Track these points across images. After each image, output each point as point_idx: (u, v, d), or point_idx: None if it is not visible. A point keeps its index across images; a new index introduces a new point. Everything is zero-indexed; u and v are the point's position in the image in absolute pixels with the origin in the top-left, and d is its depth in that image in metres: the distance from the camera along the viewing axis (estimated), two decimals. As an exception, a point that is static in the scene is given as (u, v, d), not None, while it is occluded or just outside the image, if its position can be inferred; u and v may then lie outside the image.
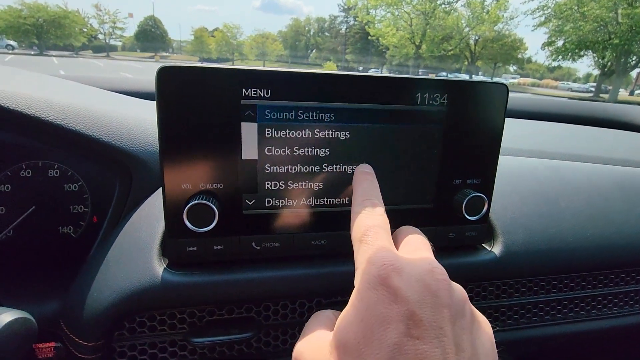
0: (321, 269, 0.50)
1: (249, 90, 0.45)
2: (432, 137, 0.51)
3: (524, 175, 0.70)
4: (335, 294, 0.52)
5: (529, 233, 0.59)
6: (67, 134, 0.54)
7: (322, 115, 0.47)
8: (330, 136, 0.48)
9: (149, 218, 0.53)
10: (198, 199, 0.44)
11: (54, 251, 0.69)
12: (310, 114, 0.47)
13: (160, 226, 0.51)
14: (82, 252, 0.60)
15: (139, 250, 0.49)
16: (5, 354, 0.33)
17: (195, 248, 0.48)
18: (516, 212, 0.62)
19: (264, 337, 0.51)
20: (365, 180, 0.43)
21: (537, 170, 0.73)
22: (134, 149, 0.58)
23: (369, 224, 0.34)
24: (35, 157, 0.68)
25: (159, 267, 0.47)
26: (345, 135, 0.49)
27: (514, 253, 0.57)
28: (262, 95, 0.45)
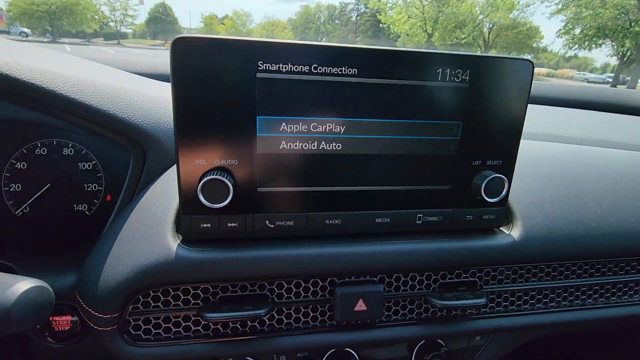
0: (335, 248, 0.50)
1: (265, 64, 0.43)
2: (452, 116, 0.50)
3: (544, 159, 0.68)
4: (349, 274, 0.52)
5: (550, 217, 0.58)
6: (81, 108, 0.54)
7: (339, 91, 0.46)
8: (347, 114, 0.47)
9: (163, 195, 0.52)
10: (212, 175, 0.44)
11: (69, 228, 0.70)
12: (328, 89, 0.46)
13: (174, 203, 0.51)
14: (96, 230, 0.60)
15: (153, 226, 0.48)
16: (24, 322, 0.33)
17: (209, 225, 0.47)
18: (536, 196, 0.60)
19: (277, 314, 0.51)
20: None
21: (559, 154, 0.71)
22: (147, 126, 0.57)
23: None
24: (50, 135, 0.68)
25: (173, 243, 0.47)
26: (362, 112, 0.47)
27: (534, 237, 0.56)
28: (279, 68, 0.44)
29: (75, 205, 0.72)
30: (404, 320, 0.55)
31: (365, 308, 0.51)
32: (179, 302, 0.48)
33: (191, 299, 0.48)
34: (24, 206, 0.69)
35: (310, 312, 0.52)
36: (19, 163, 0.68)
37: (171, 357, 0.48)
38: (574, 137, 0.80)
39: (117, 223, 0.52)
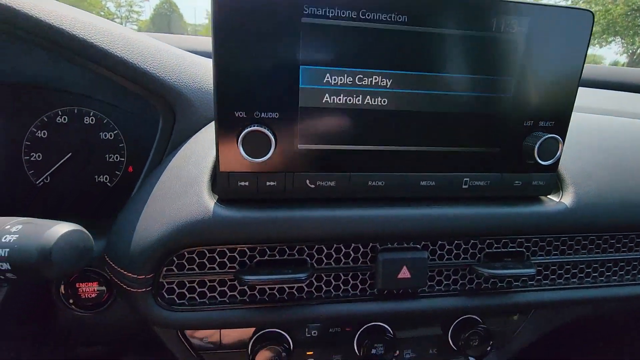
0: (378, 211, 0.47)
1: (311, 7, 0.40)
2: (505, 71, 0.46)
3: (593, 130, 0.65)
4: (392, 239, 0.49)
5: (601, 185, 0.54)
6: (111, 59, 0.51)
7: (387, 41, 0.43)
8: (394, 66, 0.44)
9: (196, 155, 0.50)
10: (253, 127, 0.41)
11: (90, 200, 0.68)
12: (375, 37, 0.43)
13: (209, 162, 0.48)
14: (117, 202, 0.58)
15: (188, 184, 0.46)
16: (65, 265, 0.30)
17: (247, 183, 0.45)
18: (586, 165, 0.56)
19: (316, 281, 0.49)
20: None
21: (608, 126, 0.67)
22: (179, 85, 0.54)
23: None
24: (71, 103, 0.66)
25: (209, 201, 0.44)
26: (410, 64, 0.44)
27: (585, 205, 0.52)
28: (325, 13, 0.41)
29: (96, 177, 0.70)
30: (447, 291, 0.52)
31: (409, 276, 0.48)
32: (215, 266, 0.46)
33: (227, 263, 0.46)
34: (44, 176, 0.67)
35: (350, 279, 0.49)
36: (39, 131, 0.66)
37: (205, 322, 0.46)
38: (620, 110, 0.76)
39: (148, 184, 0.50)
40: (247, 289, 0.47)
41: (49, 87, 0.65)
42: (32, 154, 0.67)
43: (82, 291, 0.53)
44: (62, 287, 0.52)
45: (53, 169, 0.67)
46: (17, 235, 0.30)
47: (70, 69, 0.59)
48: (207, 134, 0.53)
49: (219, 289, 0.46)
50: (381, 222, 0.46)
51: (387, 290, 0.50)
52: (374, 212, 0.47)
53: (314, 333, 0.59)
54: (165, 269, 0.44)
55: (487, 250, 0.52)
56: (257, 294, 0.47)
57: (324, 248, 0.48)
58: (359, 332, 0.59)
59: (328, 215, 0.45)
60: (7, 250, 0.29)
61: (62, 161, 0.66)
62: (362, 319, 0.51)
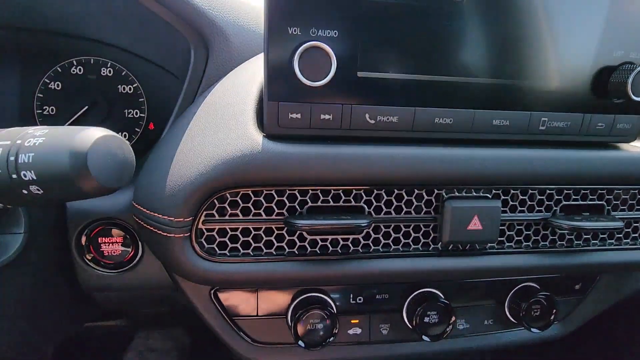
0: (447, 150, 0.41)
1: None
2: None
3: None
4: (461, 182, 0.42)
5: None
6: None
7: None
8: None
9: (237, 86, 0.43)
10: (310, 43, 0.35)
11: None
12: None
13: (253, 94, 0.42)
14: (137, 162, 0.52)
15: (230, 117, 0.40)
16: (103, 175, 0.24)
17: (298, 116, 0.38)
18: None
19: (373, 232, 0.42)
20: None
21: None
22: (214, 14, 0.48)
23: None
24: (86, 52, 0.60)
25: (257, 135, 0.38)
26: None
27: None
28: None
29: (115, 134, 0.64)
30: (518, 248, 0.46)
31: (480, 227, 0.42)
32: (261, 211, 0.40)
33: (275, 208, 0.40)
34: (59, 131, 0.61)
35: (411, 232, 0.43)
36: (52, 83, 0.60)
37: (248, 276, 0.40)
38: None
39: (181, 122, 0.44)
40: (297, 240, 0.41)
41: (63, 33, 0.59)
42: (44, 108, 0.61)
43: (105, 247, 0.47)
44: (83, 239, 0.47)
45: (67, 123, 0.61)
46: (42, 139, 0.24)
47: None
48: (248, 66, 0.47)
49: (265, 238, 0.40)
50: (451, 163, 0.40)
51: (452, 246, 0.44)
52: (442, 152, 0.41)
53: (360, 300, 0.53)
54: (205, 213, 0.38)
55: (564, 202, 0.46)
56: (307, 246, 0.41)
57: (383, 195, 0.42)
58: (408, 300, 0.53)
59: (392, 153, 0.39)
60: (31, 155, 0.23)
61: (76, 115, 0.61)
62: (424, 277, 0.44)
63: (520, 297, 0.55)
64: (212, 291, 0.49)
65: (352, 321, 0.53)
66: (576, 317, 0.60)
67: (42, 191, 0.24)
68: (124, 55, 0.61)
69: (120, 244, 0.47)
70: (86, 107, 0.61)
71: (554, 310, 0.55)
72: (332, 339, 0.48)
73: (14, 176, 0.23)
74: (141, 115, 0.64)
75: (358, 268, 0.42)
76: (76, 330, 0.58)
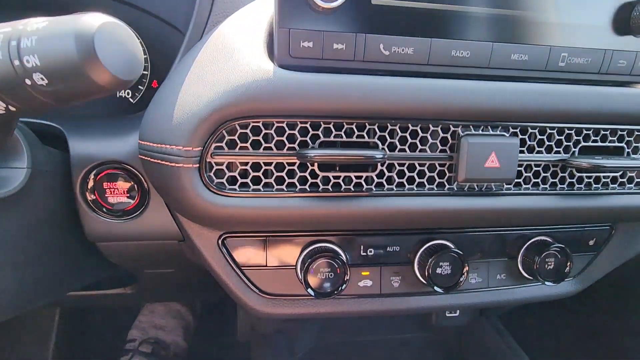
0: (463, 82, 0.39)
1: None
2: None
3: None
4: (478, 117, 0.41)
5: None
6: None
7: None
8: None
9: (247, 19, 0.42)
10: None
11: (111, 117, 0.60)
12: None
13: (263, 23, 0.40)
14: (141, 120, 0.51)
15: (241, 45, 0.38)
16: (113, 63, 0.23)
17: (310, 44, 0.37)
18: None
19: (387, 171, 0.41)
20: None
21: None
22: None
23: None
24: (85, 6, 0.58)
25: (268, 63, 0.36)
26: None
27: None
28: None
29: (118, 92, 0.63)
30: (535, 189, 0.44)
31: (497, 165, 0.41)
32: (272, 145, 0.38)
33: (286, 142, 0.38)
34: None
35: (426, 171, 0.42)
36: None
37: (258, 211, 0.38)
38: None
39: (189, 56, 0.42)
40: (309, 177, 0.39)
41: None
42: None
43: (110, 193, 0.46)
44: (88, 184, 0.45)
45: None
46: (46, 23, 0.22)
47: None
48: (256, 2, 0.45)
49: (275, 174, 0.39)
50: (469, 95, 0.39)
51: (468, 186, 0.43)
52: (460, 83, 0.39)
53: (370, 252, 0.52)
54: (214, 145, 0.37)
55: (582, 143, 0.44)
56: (319, 183, 0.40)
57: (398, 131, 0.40)
58: (420, 251, 0.52)
59: (408, 83, 0.38)
60: (34, 38, 0.22)
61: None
62: (438, 217, 0.43)
63: (533, 251, 0.54)
64: (220, 239, 0.48)
65: (363, 273, 0.52)
66: (590, 273, 0.59)
67: (47, 81, 0.23)
68: (125, 8, 0.59)
69: (126, 190, 0.46)
70: None
71: (569, 263, 0.53)
72: (343, 286, 0.47)
73: (16, 62, 0.22)
74: (144, 72, 0.63)
75: (371, 206, 0.40)
76: (80, 286, 0.57)
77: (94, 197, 0.46)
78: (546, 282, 0.54)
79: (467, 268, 0.50)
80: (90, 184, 0.45)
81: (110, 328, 1.33)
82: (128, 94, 0.64)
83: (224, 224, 0.42)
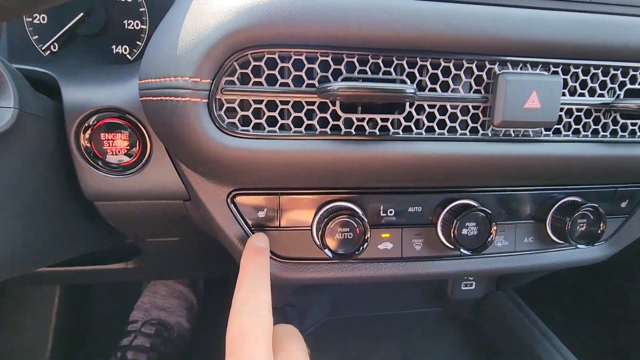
0: (502, 10, 0.35)
1: None
2: None
3: None
4: (517, 52, 0.36)
5: None
6: None
7: None
8: None
9: None
10: None
11: (108, 75, 0.56)
12: None
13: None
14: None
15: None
16: None
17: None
18: None
19: (416, 113, 0.37)
20: (254, 263, 0.36)
21: None
22: None
23: (247, 328, 0.29)
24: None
25: None
26: None
27: None
28: None
29: (114, 47, 0.58)
30: (575, 137, 0.40)
31: (538, 105, 0.37)
32: (289, 81, 0.34)
33: (305, 78, 0.34)
34: (51, 42, 0.55)
35: (459, 114, 0.38)
36: (44, -14, 0.53)
37: (273, 155, 0.34)
38: None
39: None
40: (330, 118, 0.35)
41: None
42: (35, 16, 0.55)
43: (108, 145, 0.42)
44: (83, 137, 0.41)
45: (61, 32, 0.55)
46: None
47: None
48: None
49: (293, 114, 0.35)
50: (507, 23, 0.34)
51: (504, 132, 0.39)
52: (498, 10, 0.35)
53: (390, 213, 0.48)
54: (225, 80, 0.33)
55: (629, 85, 0.40)
56: (341, 126, 0.36)
57: (428, 67, 0.36)
58: (444, 211, 0.48)
59: (444, 7, 0.33)
60: None
61: (71, 23, 0.54)
62: (469, 166, 0.38)
63: (564, 212, 0.51)
64: (230, 196, 0.44)
65: (383, 235, 0.48)
66: (621, 237, 0.56)
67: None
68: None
69: (125, 141, 0.42)
70: (81, 15, 0.55)
71: (602, 224, 0.50)
72: (365, 245, 0.44)
73: None
74: (142, 27, 0.58)
75: (399, 151, 0.36)
76: (79, 252, 0.53)
77: (91, 149, 0.41)
78: (578, 245, 0.50)
79: (495, 228, 0.47)
80: (87, 134, 0.41)
81: (111, 310, 1.30)
82: (125, 50, 0.59)
83: (235, 173, 0.37)
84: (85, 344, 1.27)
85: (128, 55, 0.59)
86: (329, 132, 0.35)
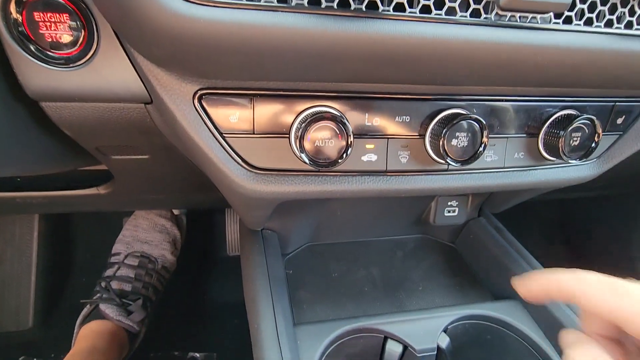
0: None
1: None
2: None
3: None
4: None
5: None
6: None
7: None
8: None
9: None
10: None
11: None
12: None
13: None
14: None
15: None
16: None
17: None
18: None
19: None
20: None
21: None
22: None
23: None
24: None
25: None
26: None
27: None
28: None
29: None
30: (588, 27, 0.36)
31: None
32: None
33: None
34: None
35: None
36: None
37: (243, 29, 0.29)
38: None
39: None
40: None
41: None
42: None
43: (46, 28, 0.35)
44: (13, 12, 0.34)
45: None
46: None
47: None
48: None
49: None
50: None
51: (510, 16, 0.34)
52: None
53: (376, 121, 0.44)
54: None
55: (653, -34, 0.35)
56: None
57: None
58: (434, 121, 0.44)
59: None
60: None
61: None
62: (468, 53, 0.33)
63: (558, 126, 0.48)
64: (196, 96, 0.39)
65: (367, 146, 0.45)
66: (611, 155, 0.54)
67: None
68: None
69: (66, 22, 0.35)
70: None
71: (596, 137, 0.47)
72: (348, 151, 0.40)
73: None
74: None
75: (388, 31, 0.31)
76: (39, 167, 0.49)
77: (25, 32, 0.35)
78: (570, 160, 0.48)
79: (486, 139, 0.44)
80: (17, 14, 0.34)
81: (94, 244, 1.29)
82: None
83: (200, 57, 0.32)
84: (69, 275, 1.27)
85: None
86: (306, 5, 0.30)
